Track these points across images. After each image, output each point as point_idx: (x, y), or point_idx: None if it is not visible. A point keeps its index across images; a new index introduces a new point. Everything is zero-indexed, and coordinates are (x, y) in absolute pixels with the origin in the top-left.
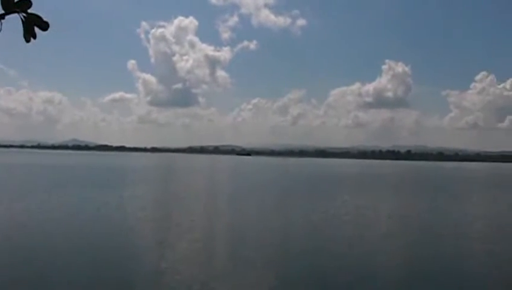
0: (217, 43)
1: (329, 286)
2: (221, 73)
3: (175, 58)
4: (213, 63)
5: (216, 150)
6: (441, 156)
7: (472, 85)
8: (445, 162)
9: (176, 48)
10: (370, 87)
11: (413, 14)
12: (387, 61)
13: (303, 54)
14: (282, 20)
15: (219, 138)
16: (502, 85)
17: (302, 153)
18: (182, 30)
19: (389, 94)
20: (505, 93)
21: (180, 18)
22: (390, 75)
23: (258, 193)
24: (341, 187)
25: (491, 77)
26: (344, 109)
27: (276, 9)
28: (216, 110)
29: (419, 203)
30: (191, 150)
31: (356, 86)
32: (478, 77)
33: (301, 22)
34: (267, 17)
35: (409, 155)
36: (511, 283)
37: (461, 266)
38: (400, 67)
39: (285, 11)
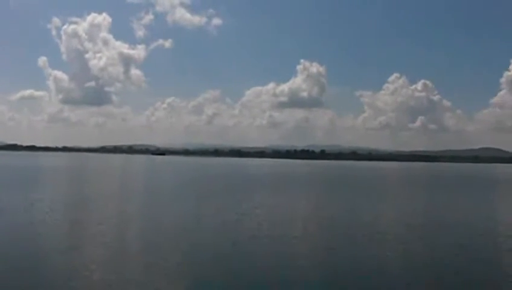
0: (132, 41)
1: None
2: (135, 71)
3: (88, 56)
4: (127, 61)
5: (130, 150)
6: (354, 155)
7: (385, 86)
8: (359, 161)
9: (88, 45)
10: (285, 87)
11: (328, 15)
12: (302, 61)
13: (218, 53)
14: (197, 19)
15: (133, 138)
16: (413, 86)
17: (217, 152)
18: (95, 27)
19: (304, 94)
20: (416, 94)
21: (94, 14)
22: (305, 75)
23: (170, 193)
24: (255, 187)
25: (403, 78)
26: (259, 109)
27: (191, 8)
28: (130, 109)
29: (332, 202)
30: (103, 149)
31: (271, 85)
32: (391, 78)
33: (217, 21)
34: (183, 15)
35: (323, 154)
36: (422, 282)
37: (373, 264)
38: (314, 68)
39: (200, 10)
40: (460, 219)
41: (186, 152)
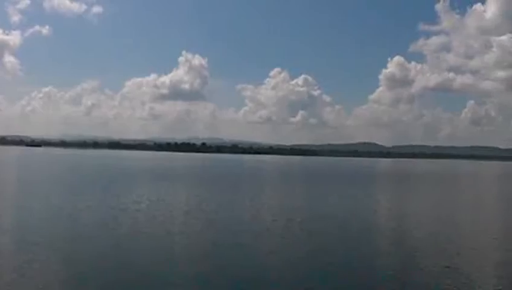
0: (6, 26)
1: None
2: (9, 58)
3: None
4: (1, 47)
5: (2, 141)
6: (235, 148)
7: (266, 80)
8: (240, 155)
9: None
10: (166, 78)
11: (212, 7)
12: (184, 53)
13: (98, 42)
14: (77, 6)
15: (6, 128)
16: (294, 81)
17: (96, 144)
18: None
19: (186, 86)
20: (297, 89)
21: None
22: (186, 67)
23: (42, 186)
24: (133, 181)
25: (285, 73)
26: (139, 100)
27: None
28: (3, 98)
29: (213, 196)
30: None
31: (152, 77)
32: (272, 73)
33: (97, 9)
34: (61, 2)
35: (204, 147)
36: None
37: (253, 259)
38: (196, 60)
39: None
40: (339, 211)
41: (64, 144)
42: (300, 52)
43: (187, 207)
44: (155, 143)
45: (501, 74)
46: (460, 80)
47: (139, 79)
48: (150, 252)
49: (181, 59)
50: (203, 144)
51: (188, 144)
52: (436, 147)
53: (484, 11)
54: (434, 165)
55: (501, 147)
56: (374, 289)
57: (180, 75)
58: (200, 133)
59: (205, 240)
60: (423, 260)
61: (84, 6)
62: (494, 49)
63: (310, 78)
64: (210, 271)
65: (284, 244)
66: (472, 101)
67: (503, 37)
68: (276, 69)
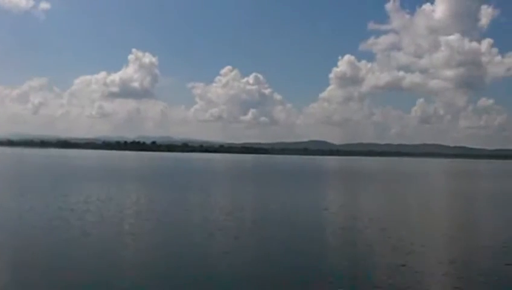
0: None
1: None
2: None
3: None
4: None
5: None
6: (186, 147)
7: (217, 78)
8: (191, 153)
9: None
10: (116, 76)
11: (161, 4)
12: (134, 50)
13: (46, 39)
14: (24, 2)
15: None
16: (245, 79)
17: (43, 143)
18: None
19: (136, 84)
20: (248, 87)
21: None
22: (137, 65)
23: None
24: (81, 180)
25: (236, 71)
26: (88, 99)
27: None
28: None
29: (161, 195)
30: None
31: (101, 74)
32: (223, 71)
33: (45, 5)
34: None
35: (154, 146)
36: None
37: (200, 260)
38: (147, 58)
39: None
40: (290, 210)
41: (10, 143)
42: (251, 50)
43: (137, 207)
44: (104, 142)
45: (449, 73)
46: (410, 79)
47: (88, 77)
48: (99, 254)
49: (131, 57)
50: (153, 142)
51: (138, 142)
52: (386, 145)
53: (433, 10)
54: (384, 163)
55: (450, 144)
56: (327, 288)
57: (130, 73)
58: (150, 132)
59: (156, 241)
60: (376, 259)
61: (31, 2)
62: (443, 48)
63: (260, 77)
64: (161, 273)
65: (237, 244)
66: (421, 100)
67: (452, 37)
68: (227, 67)
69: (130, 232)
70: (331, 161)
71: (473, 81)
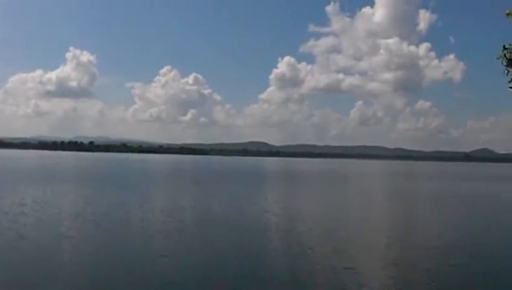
0: None
1: None
2: None
3: None
4: None
5: None
6: (124, 147)
7: (156, 78)
8: (129, 154)
9: None
10: (53, 75)
11: (101, 2)
12: (71, 48)
13: None
14: None
15: None
16: (184, 80)
17: None
18: None
19: (73, 83)
20: (187, 87)
21: None
22: (74, 64)
23: None
24: (16, 181)
25: (175, 71)
26: (24, 97)
27: None
28: None
29: (99, 197)
30: None
31: (38, 73)
32: (162, 71)
33: None
34: None
35: (92, 147)
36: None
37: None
38: (84, 56)
39: None
40: (231, 212)
41: None
42: (190, 50)
43: (75, 209)
44: (40, 142)
45: (388, 75)
46: (349, 81)
47: (24, 75)
48: (35, 258)
49: (68, 55)
50: (91, 143)
51: (75, 143)
52: (325, 146)
53: (373, 14)
54: (323, 165)
55: (388, 146)
56: None
57: (67, 71)
58: (88, 132)
59: (94, 245)
60: (321, 261)
61: None
62: (382, 51)
63: (200, 77)
64: (99, 277)
65: (177, 247)
66: (360, 102)
67: (390, 40)
68: (166, 67)
69: (68, 235)
70: (271, 162)
71: (411, 84)
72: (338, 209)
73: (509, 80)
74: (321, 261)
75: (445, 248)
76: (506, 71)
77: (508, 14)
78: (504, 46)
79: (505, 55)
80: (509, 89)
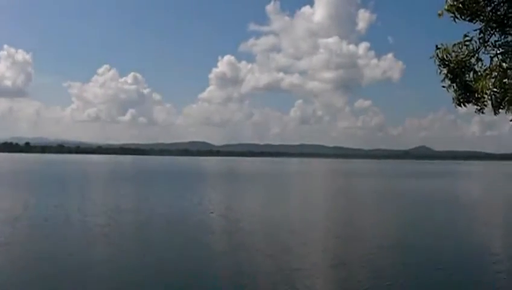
0: None
1: None
2: None
3: None
4: None
5: None
6: (62, 148)
7: (94, 78)
8: (67, 155)
9: None
10: None
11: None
12: (5, 47)
13: None
14: None
15: None
16: (123, 79)
17: None
18: None
19: (8, 83)
20: (126, 87)
21: None
22: (9, 62)
23: None
24: None
25: (114, 70)
26: None
27: None
28: None
29: (35, 200)
30: None
31: None
32: (100, 70)
33: None
34: None
35: (28, 148)
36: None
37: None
38: (20, 55)
39: None
40: (171, 213)
41: None
42: (129, 49)
43: (10, 214)
44: None
45: (328, 74)
46: (289, 80)
47: None
48: None
49: (2, 53)
50: (27, 144)
51: (11, 144)
52: (266, 145)
53: (312, 14)
54: (264, 164)
55: (328, 145)
56: None
57: (1, 70)
58: (23, 133)
59: (31, 250)
60: (268, 263)
61: None
62: (322, 50)
63: (139, 76)
64: (33, 284)
65: (117, 252)
66: (300, 101)
67: (330, 39)
68: (105, 66)
69: (3, 241)
70: (212, 162)
71: (350, 83)
72: (282, 210)
73: (441, 79)
74: (268, 262)
75: (389, 245)
76: (439, 70)
77: (439, 15)
78: (437, 46)
79: (437, 55)
80: (443, 88)
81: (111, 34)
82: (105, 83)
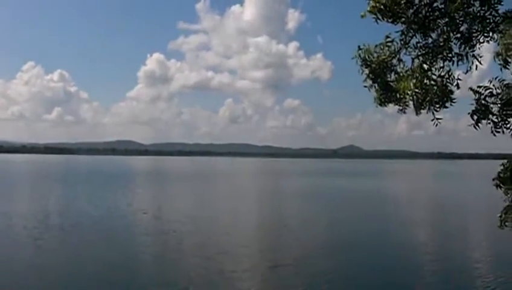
0: None
1: None
2: None
3: None
4: None
5: None
6: None
7: (18, 75)
8: None
9: None
10: None
11: None
12: None
13: None
14: None
15: None
16: (49, 76)
17: None
18: None
19: None
20: (52, 84)
21: None
22: None
23: None
24: None
25: (39, 67)
26: None
27: None
28: None
29: None
30: None
31: None
32: (25, 67)
33: None
34: None
35: None
36: None
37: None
38: None
39: None
40: (99, 214)
41: None
42: (55, 45)
43: None
44: None
45: (257, 74)
46: (219, 79)
47: None
48: None
49: None
50: None
51: None
52: (195, 144)
53: (242, 12)
54: (193, 163)
55: (257, 144)
56: None
57: None
58: None
59: None
60: (204, 265)
61: None
62: (251, 49)
63: (66, 74)
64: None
65: (46, 255)
66: (230, 100)
67: (260, 38)
68: (30, 63)
69: None
70: (140, 161)
71: (280, 82)
72: (214, 209)
73: (363, 79)
74: (205, 265)
75: (322, 245)
76: (361, 71)
77: (362, 16)
78: (359, 47)
79: (359, 55)
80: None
81: (36, 29)
82: (30, 81)
